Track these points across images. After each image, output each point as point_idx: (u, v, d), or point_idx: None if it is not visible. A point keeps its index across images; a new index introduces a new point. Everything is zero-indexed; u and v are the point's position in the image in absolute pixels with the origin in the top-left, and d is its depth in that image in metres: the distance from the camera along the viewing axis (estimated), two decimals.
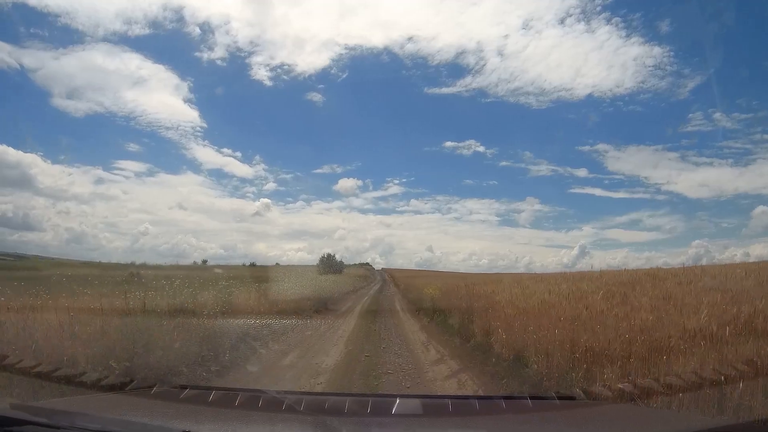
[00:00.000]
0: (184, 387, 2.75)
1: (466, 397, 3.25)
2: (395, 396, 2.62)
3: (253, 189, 50.61)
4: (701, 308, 6.07)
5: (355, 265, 56.15)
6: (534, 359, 6.16)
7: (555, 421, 2.42)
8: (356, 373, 6.87)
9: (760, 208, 40.82)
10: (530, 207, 49.56)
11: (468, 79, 46.67)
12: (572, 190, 48.88)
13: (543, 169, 47.50)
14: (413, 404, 2.51)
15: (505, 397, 2.89)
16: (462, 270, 47.31)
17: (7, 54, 38.59)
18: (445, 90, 47.72)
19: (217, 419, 2.25)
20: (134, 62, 45.23)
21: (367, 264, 67.03)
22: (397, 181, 51.93)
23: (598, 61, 45.49)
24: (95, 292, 8.91)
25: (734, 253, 40.62)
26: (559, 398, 2.97)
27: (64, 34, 41.46)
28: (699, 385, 3.80)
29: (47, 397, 4.19)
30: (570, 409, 2.69)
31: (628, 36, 42.83)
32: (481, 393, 5.66)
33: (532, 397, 2.83)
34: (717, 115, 38.76)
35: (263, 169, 50.23)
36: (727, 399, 3.77)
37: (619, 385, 4.18)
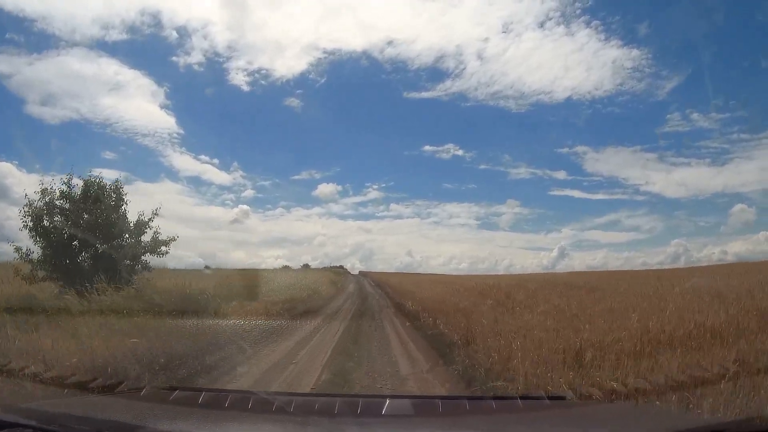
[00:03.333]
0: (173, 388, 2.74)
1: (457, 398, 3.27)
2: (385, 396, 2.64)
3: (232, 196, 48.90)
4: None
5: (323, 269, 48.26)
6: None
7: (545, 420, 2.44)
8: None
9: (738, 206, 41.66)
10: (510, 210, 49.74)
11: (447, 83, 46.71)
12: (551, 193, 49.28)
13: (522, 171, 47.68)
14: (403, 405, 2.53)
15: (496, 398, 2.92)
16: (441, 273, 46.37)
17: None
18: (424, 94, 47.70)
19: (206, 421, 2.25)
20: (111, 68, 43.34)
21: (340, 267, 57.27)
22: (376, 186, 51.12)
23: (578, 63, 45.87)
24: None
25: (712, 251, 41.26)
26: (550, 398, 3.00)
27: (40, 40, 40.41)
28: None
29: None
30: (560, 409, 2.72)
31: (607, 39, 43.49)
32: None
33: (522, 398, 2.86)
34: (694, 116, 39.57)
35: (241, 176, 48.64)
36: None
37: (610, 385, 4.23)
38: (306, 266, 48.20)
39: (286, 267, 40.35)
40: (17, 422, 1.88)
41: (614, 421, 2.47)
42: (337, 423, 2.20)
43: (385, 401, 2.41)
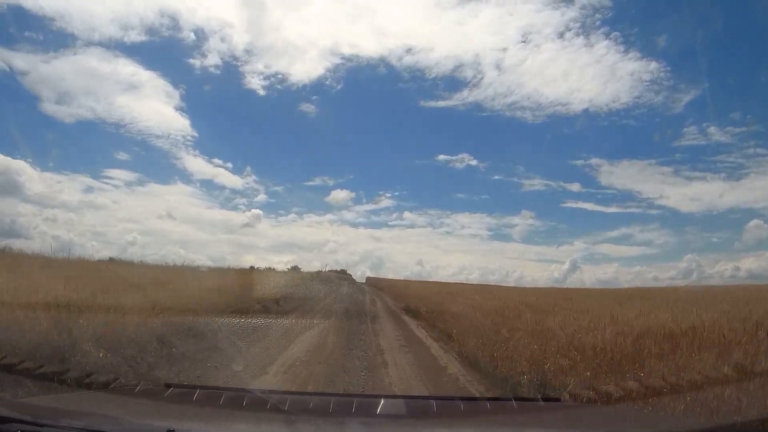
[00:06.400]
0: (168, 385, 2.73)
1: (451, 398, 3.27)
2: (380, 396, 2.64)
3: (244, 201, 48.75)
4: None
5: (317, 272, 44.51)
6: None
7: (540, 422, 2.45)
8: None
9: (754, 222, 41.13)
10: (524, 221, 49.10)
11: (465, 93, 46.47)
12: (565, 205, 48.52)
13: (536, 183, 47.03)
14: (398, 405, 2.53)
15: (490, 399, 2.92)
16: (452, 282, 45.13)
17: None
18: (441, 103, 47.45)
19: (201, 418, 2.25)
20: (127, 68, 42.92)
21: (342, 272, 55.05)
22: (389, 195, 50.59)
23: (595, 75, 45.54)
24: None
25: (725, 267, 40.51)
26: (544, 400, 3.00)
27: (58, 38, 40.53)
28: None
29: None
30: (555, 411, 2.72)
31: (625, 51, 43.29)
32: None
33: (517, 399, 2.86)
34: (711, 130, 39.18)
35: (254, 180, 48.50)
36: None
37: (604, 388, 4.24)
38: (295, 268, 47.15)
39: (270, 269, 39.69)
40: (12, 417, 1.88)
41: (608, 423, 2.48)
42: (332, 422, 2.19)
43: (380, 401, 2.41)
